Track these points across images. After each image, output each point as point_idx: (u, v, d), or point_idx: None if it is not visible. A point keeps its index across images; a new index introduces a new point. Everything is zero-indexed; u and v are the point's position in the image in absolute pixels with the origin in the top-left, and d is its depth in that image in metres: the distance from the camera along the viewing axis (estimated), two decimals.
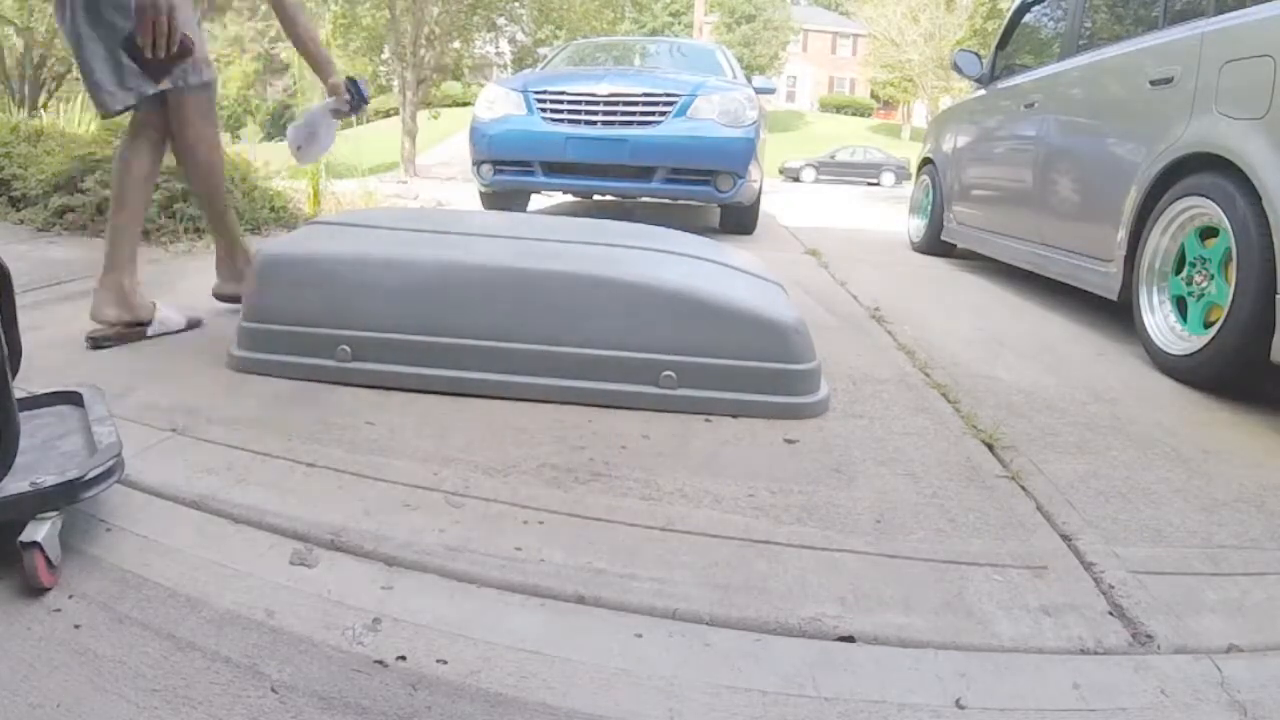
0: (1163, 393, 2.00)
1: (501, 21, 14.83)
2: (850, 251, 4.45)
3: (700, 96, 4.25)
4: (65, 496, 0.99)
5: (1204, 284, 2.10)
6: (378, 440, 1.42)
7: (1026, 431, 1.64)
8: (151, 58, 1.68)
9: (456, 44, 13.69)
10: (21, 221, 3.45)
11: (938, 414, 1.71)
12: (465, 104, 12.76)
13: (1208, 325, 2.05)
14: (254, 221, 3.78)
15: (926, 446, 1.53)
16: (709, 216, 5.39)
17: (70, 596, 0.95)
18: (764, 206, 5.35)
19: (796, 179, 22.21)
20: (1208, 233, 2.11)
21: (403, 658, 0.88)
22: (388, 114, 21.31)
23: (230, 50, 32.86)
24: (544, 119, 4.30)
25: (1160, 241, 2.27)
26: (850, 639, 0.95)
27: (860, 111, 39.09)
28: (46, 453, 1.11)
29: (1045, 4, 3.62)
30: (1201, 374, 2.01)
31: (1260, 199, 1.84)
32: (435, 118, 13.41)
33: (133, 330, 1.93)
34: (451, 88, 16.08)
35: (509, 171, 4.44)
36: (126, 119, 1.99)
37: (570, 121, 4.24)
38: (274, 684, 0.83)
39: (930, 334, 2.46)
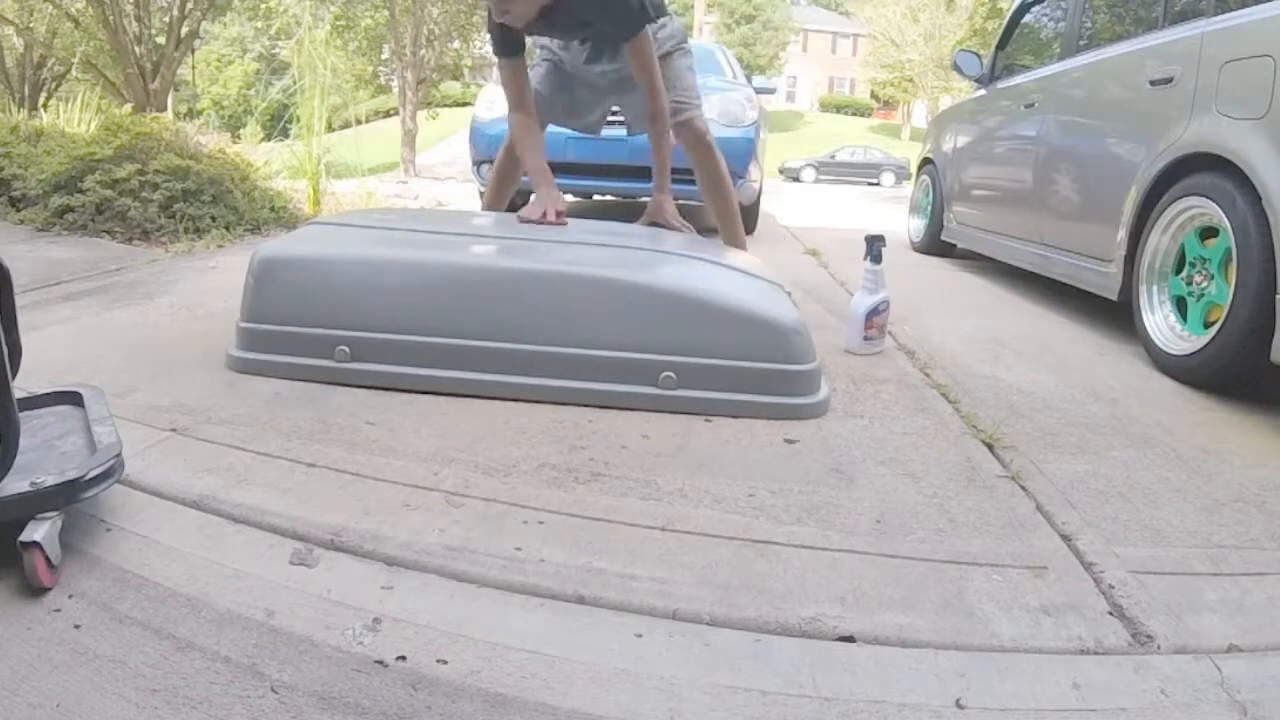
0: (1163, 393, 2.00)
1: None
2: (850, 251, 4.43)
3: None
4: (65, 496, 0.99)
5: (1204, 284, 2.10)
6: (378, 440, 1.42)
7: (1026, 431, 1.64)
8: None
9: (456, 44, 13.67)
10: (21, 221, 3.44)
11: (938, 414, 1.71)
12: (465, 104, 12.74)
13: (1208, 325, 2.05)
14: (254, 221, 3.78)
15: (926, 446, 1.53)
16: (709, 216, 5.38)
17: (70, 596, 0.95)
18: (764, 206, 5.34)
19: (796, 179, 22.19)
20: (1208, 233, 2.10)
21: (403, 658, 0.88)
22: (388, 114, 21.33)
23: (230, 50, 32.83)
24: None
25: (1160, 241, 2.27)
26: (850, 639, 0.95)
27: (860, 111, 39.10)
28: (46, 453, 1.11)
29: (1045, 4, 3.62)
30: (1201, 374, 2.01)
31: (1260, 199, 1.84)
32: (434, 118, 13.40)
33: None
34: (451, 88, 16.06)
35: None
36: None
37: None
38: (274, 684, 0.83)
39: (930, 334, 2.46)
